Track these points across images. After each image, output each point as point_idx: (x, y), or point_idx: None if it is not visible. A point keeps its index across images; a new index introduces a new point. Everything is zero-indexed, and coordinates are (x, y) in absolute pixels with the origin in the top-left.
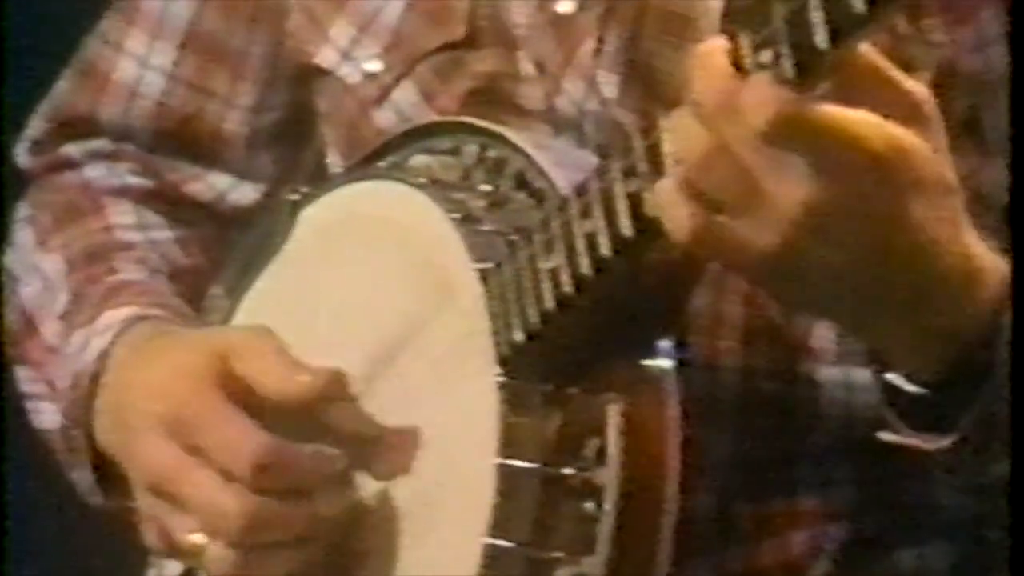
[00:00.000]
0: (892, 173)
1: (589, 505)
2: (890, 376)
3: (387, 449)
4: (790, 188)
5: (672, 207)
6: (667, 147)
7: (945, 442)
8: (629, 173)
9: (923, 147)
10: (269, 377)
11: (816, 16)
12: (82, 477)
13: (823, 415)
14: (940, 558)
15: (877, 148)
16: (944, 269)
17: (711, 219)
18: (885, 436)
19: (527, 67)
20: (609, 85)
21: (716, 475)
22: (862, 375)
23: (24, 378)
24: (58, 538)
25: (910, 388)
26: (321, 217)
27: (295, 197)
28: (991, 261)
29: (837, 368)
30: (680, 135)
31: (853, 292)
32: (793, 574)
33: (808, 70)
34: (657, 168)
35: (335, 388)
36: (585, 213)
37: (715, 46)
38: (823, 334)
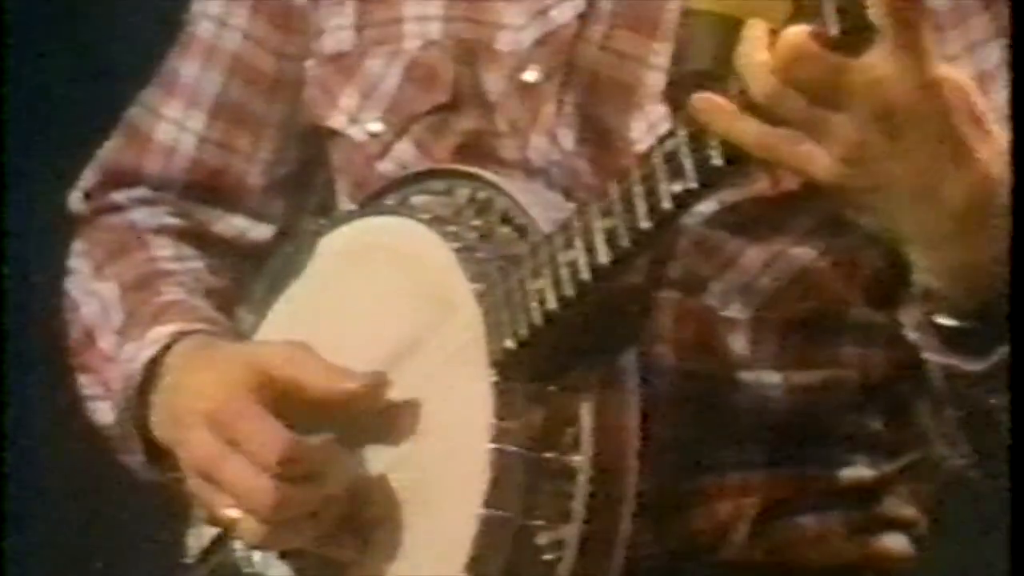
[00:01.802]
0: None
1: (567, 483)
2: (938, 318)
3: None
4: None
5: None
6: (636, 191)
7: (979, 366)
8: (606, 213)
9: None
10: (319, 379)
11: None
12: (133, 459)
13: (742, 409)
14: (838, 523)
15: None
16: (999, 204)
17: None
18: (932, 356)
19: (502, 125)
20: (568, 140)
21: (660, 458)
22: (771, 376)
23: (84, 383)
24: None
25: (953, 323)
26: (337, 245)
27: (315, 227)
28: None
29: (752, 372)
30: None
31: (924, 215)
32: (720, 535)
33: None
34: (630, 210)
35: (377, 390)
36: (568, 244)
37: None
38: (741, 345)
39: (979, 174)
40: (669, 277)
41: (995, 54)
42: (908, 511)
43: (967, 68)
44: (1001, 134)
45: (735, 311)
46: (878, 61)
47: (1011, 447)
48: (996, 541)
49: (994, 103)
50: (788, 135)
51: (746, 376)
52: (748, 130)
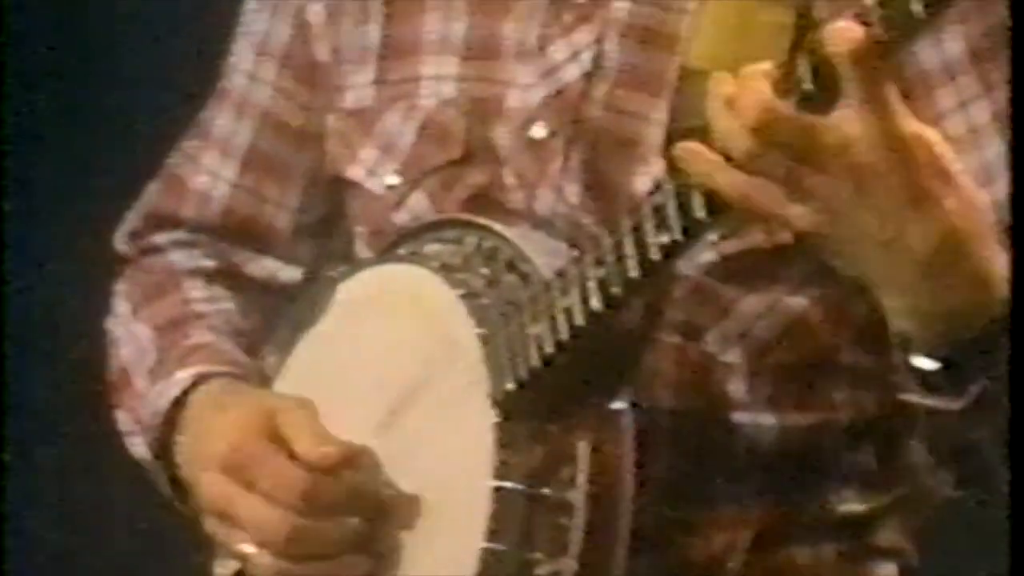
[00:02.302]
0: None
1: (563, 517)
2: (913, 359)
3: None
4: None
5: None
6: (627, 242)
7: (957, 404)
8: (599, 263)
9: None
10: (302, 440)
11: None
12: (165, 492)
13: (737, 447)
14: (830, 553)
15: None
16: (965, 252)
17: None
18: (908, 397)
19: (510, 179)
20: (573, 193)
21: (658, 492)
22: (767, 418)
23: (121, 419)
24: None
25: (929, 364)
26: (355, 290)
27: (334, 274)
28: (1003, 274)
29: (748, 413)
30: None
31: (893, 264)
32: (714, 566)
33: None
34: (621, 260)
35: (350, 461)
36: (564, 292)
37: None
38: (738, 388)
39: (945, 226)
40: (670, 323)
41: (985, 111)
42: (899, 541)
43: (958, 125)
44: (971, 187)
45: (732, 356)
46: (845, 119)
47: (1011, 464)
48: (992, 567)
49: (984, 158)
50: (767, 187)
51: (742, 417)
52: (729, 181)
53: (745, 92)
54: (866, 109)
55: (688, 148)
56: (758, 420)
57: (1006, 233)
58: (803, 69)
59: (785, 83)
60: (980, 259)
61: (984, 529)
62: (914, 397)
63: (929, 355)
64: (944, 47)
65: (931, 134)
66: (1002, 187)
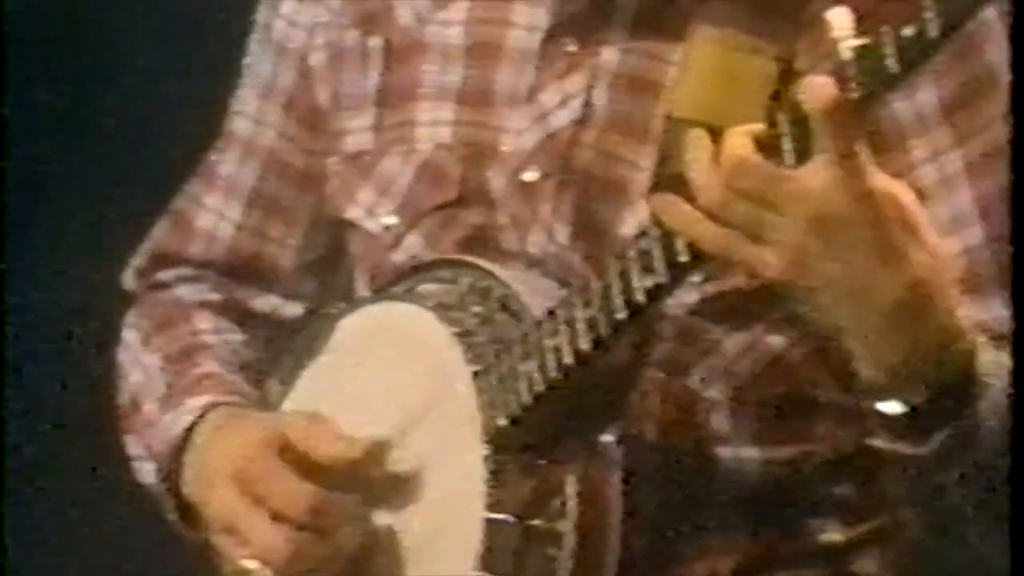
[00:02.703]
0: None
1: (553, 548)
2: (880, 405)
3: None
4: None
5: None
6: (614, 284)
7: (922, 450)
8: (587, 304)
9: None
10: (323, 443)
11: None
12: (170, 517)
13: (719, 479)
14: None
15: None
16: (931, 308)
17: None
18: (876, 442)
19: (503, 220)
20: (563, 234)
21: (644, 522)
22: (749, 452)
23: (130, 444)
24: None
25: (895, 410)
26: (354, 327)
27: (335, 311)
28: (968, 324)
29: (731, 447)
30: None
31: (859, 313)
32: None
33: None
34: (608, 301)
35: (372, 454)
36: (554, 332)
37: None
38: (721, 423)
39: (911, 280)
40: (656, 361)
41: (957, 162)
42: (877, 570)
43: (930, 174)
44: (937, 242)
45: (716, 392)
46: (815, 172)
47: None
48: None
49: (955, 208)
50: (738, 236)
51: (725, 451)
52: (703, 230)
53: (724, 147)
54: (837, 163)
55: (662, 200)
56: (740, 453)
57: (1007, 237)
58: (784, 125)
59: (768, 139)
60: (944, 312)
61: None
62: (880, 442)
63: (895, 401)
64: (918, 99)
65: (900, 189)
66: (973, 234)
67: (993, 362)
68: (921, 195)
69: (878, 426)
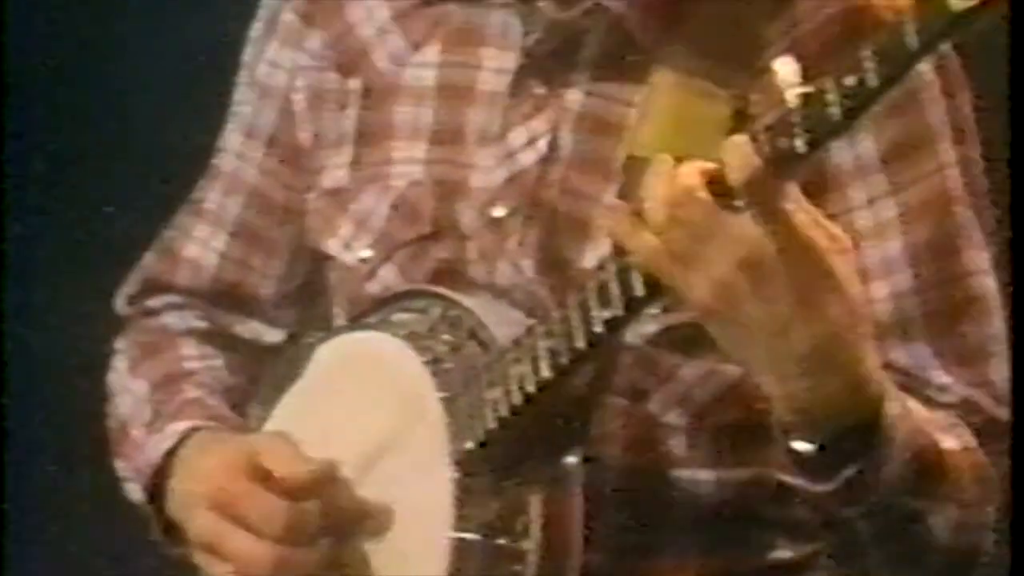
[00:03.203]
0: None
1: (517, 565)
2: (791, 442)
3: (367, 518)
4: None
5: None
6: (574, 315)
7: (829, 486)
8: (549, 334)
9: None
10: (285, 465)
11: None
12: (158, 532)
13: (676, 500)
14: None
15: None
16: (844, 357)
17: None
18: (787, 479)
19: (472, 253)
20: (530, 267)
21: (605, 540)
22: (705, 474)
23: (120, 466)
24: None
25: (805, 448)
26: (330, 354)
27: (313, 338)
28: (877, 368)
29: (688, 470)
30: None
31: (775, 355)
32: None
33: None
34: (568, 332)
35: (329, 474)
36: (518, 360)
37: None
38: (679, 447)
39: (826, 329)
40: (617, 388)
41: (891, 209)
42: None
43: (866, 219)
44: (855, 294)
45: (674, 418)
46: (747, 220)
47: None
48: None
49: (887, 252)
50: (672, 258)
51: (682, 473)
52: (643, 244)
53: (679, 174)
54: (762, 219)
55: (614, 207)
56: (697, 475)
57: (1006, 243)
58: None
59: (718, 177)
60: (856, 361)
61: None
62: (789, 477)
63: (804, 441)
64: (858, 148)
65: (823, 241)
66: (902, 280)
67: (898, 414)
68: (856, 238)
69: (789, 461)
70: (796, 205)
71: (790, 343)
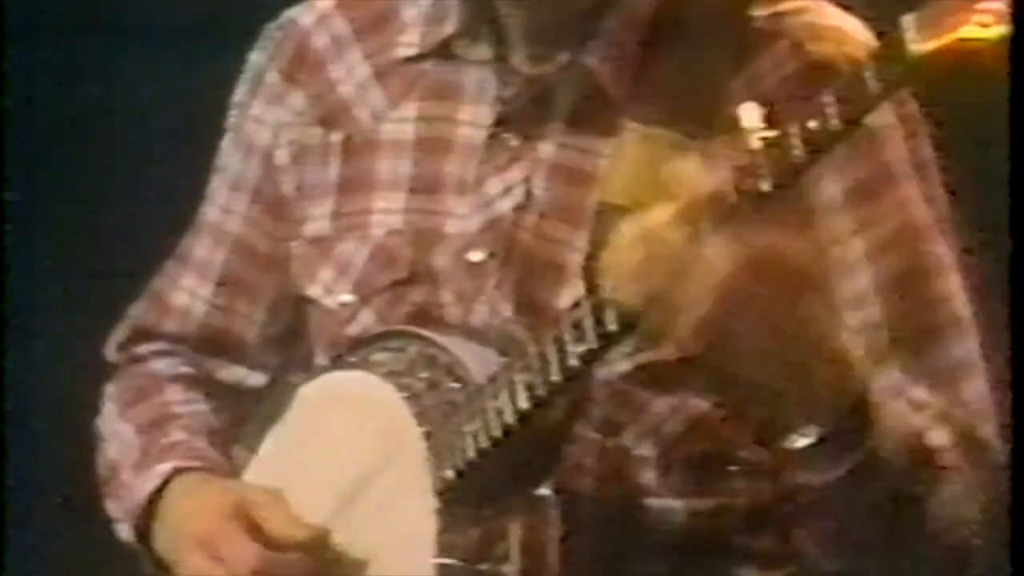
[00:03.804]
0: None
1: None
2: (788, 442)
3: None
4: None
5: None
6: (550, 350)
7: (829, 477)
8: (526, 368)
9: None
10: (280, 527)
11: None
12: (149, 569)
13: (647, 529)
14: None
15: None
16: (824, 350)
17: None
18: (787, 474)
19: (447, 297)
20: (507, 309)
21: (580, 566)
22: (675, 503)
23: (110, 506)
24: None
25: (804, 442)
26: (313, 394)
27: (295, 380)
28: (858, 358)
29: (659, 499)
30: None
31: (758, 353)
32: None
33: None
34: (544, 366)
35: (321, 540)
36: (495, 394)
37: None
38: (650, 477)
39: (807, 331)
40: (591, 421)
41: (858, 247)
42: None
43: (835, 256)
44: (827, 290)
45: (645, 450)
46: (713, 253)
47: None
48: None
49: (856, 287)
50: (653, 305)
51: (653, 502)
52: (621, 292)
53: (647, 220)
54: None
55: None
56: (668, 505)
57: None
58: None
59: (683, 214)
60: (836, 351)
61: None
62: (796, 477)
63: (801, 436)
64: (825, 189)
65: (787, 250)
66: (872, 313)
67: (887, 386)
68: (828, 272)
69: (791, 463)
70: (758, 219)
71: (774, 352)
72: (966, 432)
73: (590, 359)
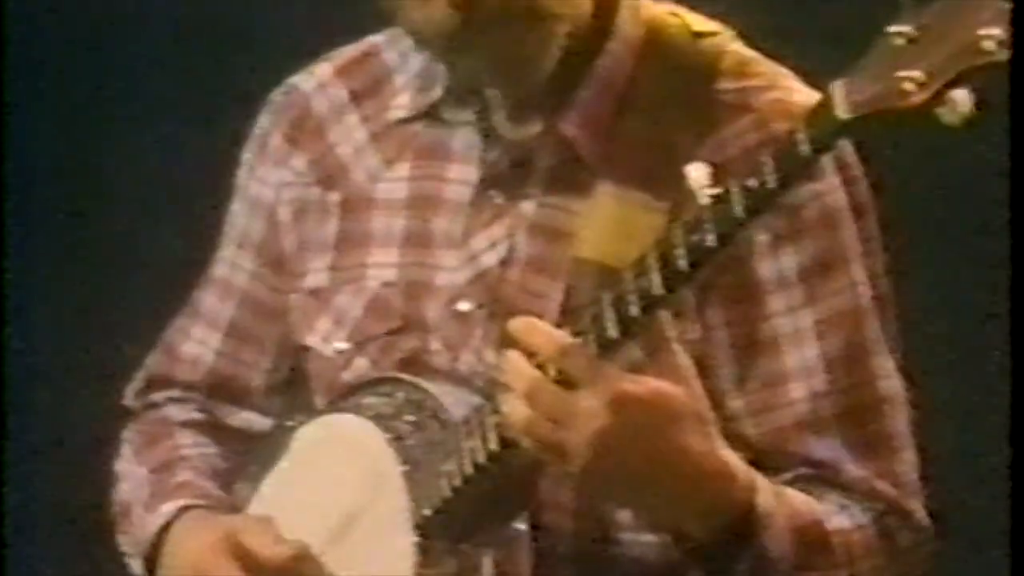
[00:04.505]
0: (654, 409)
1: None
2: (680, 548)
3: None
4: (586, 419)
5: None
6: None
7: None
8: (494, 411)
9: (679, 393)
10: (264, 547)
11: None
12: None
13: (622, 562)
14: None
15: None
16: (706, 473)
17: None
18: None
19: (436, 345)
20: (491, 356)
21: None
22: (647, 537)
23: (122, 542)
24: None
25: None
26: (309, 435)
27: (292, 423)
28: (741, 467)
29: (629, 533)
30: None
31: (644, 488)
32: None
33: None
34: None
35: (302, 554)
36: (468, 435)
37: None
38: (624, 513)
39: (684, 462)
40: None
41: (808, 318)
42: None
43: (785, 325)
44: (701, 411)
45: None
46: (588, 394)
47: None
48: None
49: (804, 357)
50: (544, 421)
51: (628, 536)
52: (518, 414)
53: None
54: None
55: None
56: (640, 539)
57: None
58: (609, 318)
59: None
60: (719, 473)
61: None
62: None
63: (696, 548)
64: (781, 262)
65: (660, 393)
66: (818, 383)
67: (771, 503)
68: (777, 343)
69: (690, 563)
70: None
71: (655, 485)
72: (892, 504)
73: None
